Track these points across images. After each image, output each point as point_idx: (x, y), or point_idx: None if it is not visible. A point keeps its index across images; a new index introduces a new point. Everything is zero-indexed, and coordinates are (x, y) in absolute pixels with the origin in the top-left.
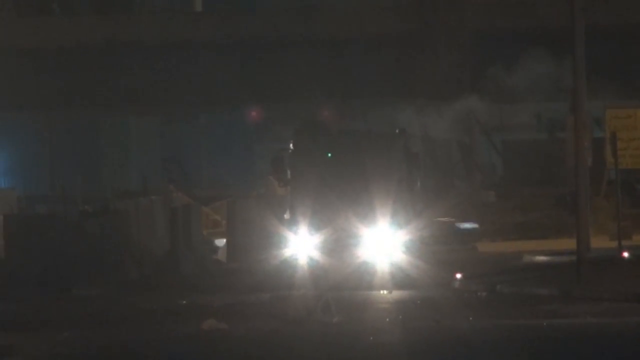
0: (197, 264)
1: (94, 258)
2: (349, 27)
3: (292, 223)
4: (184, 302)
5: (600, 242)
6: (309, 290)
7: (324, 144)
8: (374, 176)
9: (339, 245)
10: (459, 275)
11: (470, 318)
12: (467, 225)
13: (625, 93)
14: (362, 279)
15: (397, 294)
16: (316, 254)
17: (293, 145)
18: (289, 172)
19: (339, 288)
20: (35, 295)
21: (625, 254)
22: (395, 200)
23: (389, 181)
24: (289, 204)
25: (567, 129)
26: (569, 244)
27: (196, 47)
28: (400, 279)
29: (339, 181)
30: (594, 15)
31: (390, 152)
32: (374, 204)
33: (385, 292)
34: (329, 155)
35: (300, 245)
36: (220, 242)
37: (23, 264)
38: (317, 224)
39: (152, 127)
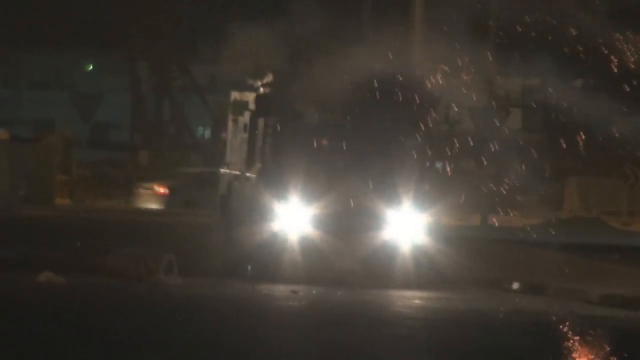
0: None
1: None
2: None
3: (278, 187)
4: None
5: None
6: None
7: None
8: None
9: (344, 222)
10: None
11: None
12: None
13: None
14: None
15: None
16: (312, 232)
17: (284, 83)
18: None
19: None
20: None
21: None
22: (417, 165)
23: (409, 139)
24: (272, 163)
25: None
26: None
27: None
28: (430, 274)
29: (341, 136)
30: None
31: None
32: (390, 168)
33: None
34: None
35: (291, 219)
36: None
37: None
38: (315, 192)
39: None
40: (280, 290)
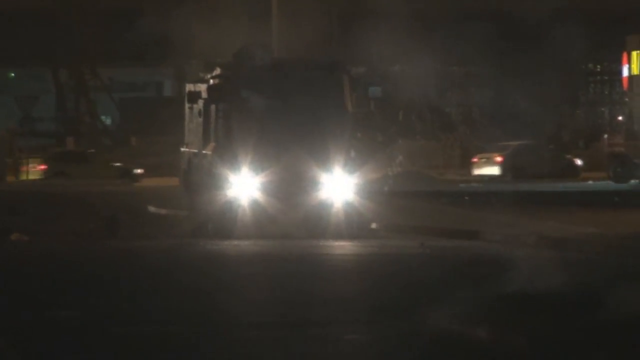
0: None
1: None
2: None
3: (230, 161)
4: None
5: None
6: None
7: (266, 74)
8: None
9: (285, 187)
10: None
11: None
12: None
13: None
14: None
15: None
16: (260, 197)
17: (230, 74)
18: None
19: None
20: None
21: None
22: (347, 138)
23: (336, 118)
24: (224, 141)
25: None
26: None
27: None
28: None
29: (280, 117)
30: None
31: (334, 84)
32: (320, 141)
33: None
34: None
35: (242, 187)
36: None
37: None
38: (260, 163)
39: None
40: (224, 243)
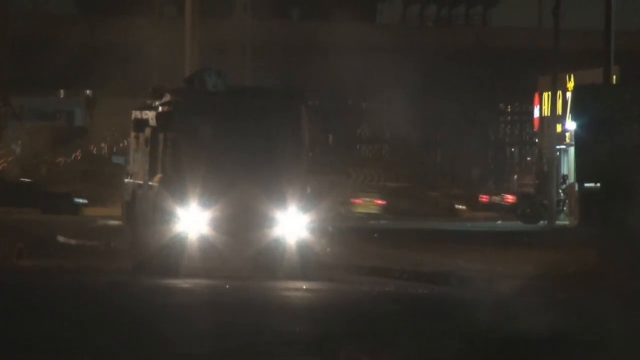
0: None
1: None
2: None
3: (178, 194)
4: None
5: None
6: None
7: (219, 102)
8: (276, 144)
9: (236, 223)
10: None
11: None
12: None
13: None
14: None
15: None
16: (209, 233)
17: (180, 102)
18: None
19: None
20: None
21: None
22: (301, 173)
23: (293, 151)
24: (172, 173)
25: None
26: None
27: None
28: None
29: (233, 148)
30: None
31: (293, 115)
32: (276, 175)
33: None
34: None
35: (191, 222)
36: None
37: None
38: (210, 197)
39: None
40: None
